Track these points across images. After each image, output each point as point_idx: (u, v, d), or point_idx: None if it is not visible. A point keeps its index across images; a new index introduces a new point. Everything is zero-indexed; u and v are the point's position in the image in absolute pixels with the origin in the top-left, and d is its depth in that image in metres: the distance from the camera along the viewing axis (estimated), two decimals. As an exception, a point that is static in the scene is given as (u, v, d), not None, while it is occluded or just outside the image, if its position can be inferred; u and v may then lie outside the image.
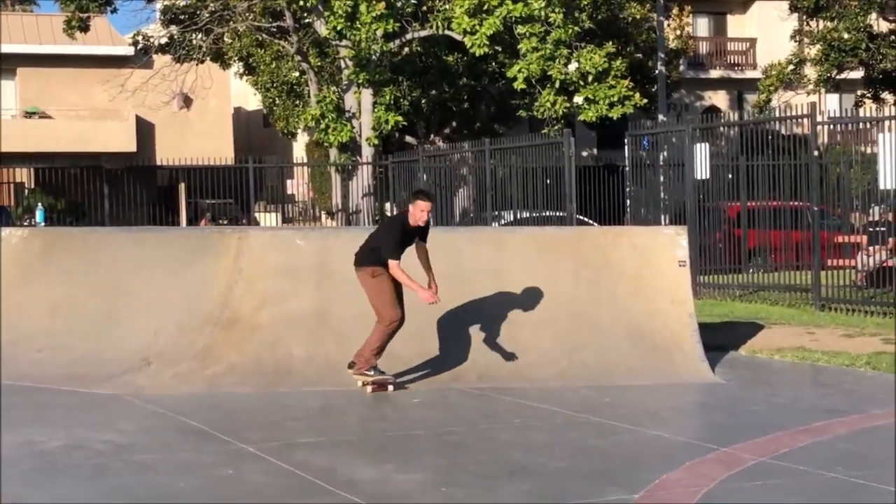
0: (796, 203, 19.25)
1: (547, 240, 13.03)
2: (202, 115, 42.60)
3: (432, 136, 36.56)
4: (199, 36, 32.87)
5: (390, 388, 10.75)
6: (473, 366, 11.37)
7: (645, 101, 27.63)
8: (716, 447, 8.32)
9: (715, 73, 46.75)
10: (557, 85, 26.04)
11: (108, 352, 11.73)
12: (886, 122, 17.18)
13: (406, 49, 31.45)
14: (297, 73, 36.09)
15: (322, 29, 28.87)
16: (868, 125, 18.67)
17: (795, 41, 36.46)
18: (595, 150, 42.25)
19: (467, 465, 7.91)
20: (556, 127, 26.00)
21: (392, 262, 10.44)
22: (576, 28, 26.54)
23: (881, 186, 16.97)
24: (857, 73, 36.21)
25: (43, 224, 30.35)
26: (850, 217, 19.20)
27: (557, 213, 22.15)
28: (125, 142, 40.75)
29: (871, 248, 18.57)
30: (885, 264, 18.28)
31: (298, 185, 39.06)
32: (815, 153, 17.94)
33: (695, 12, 45.59)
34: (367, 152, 29.19)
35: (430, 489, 7.28)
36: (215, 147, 36.00)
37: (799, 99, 29.77)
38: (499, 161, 24.55)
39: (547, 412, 9.94)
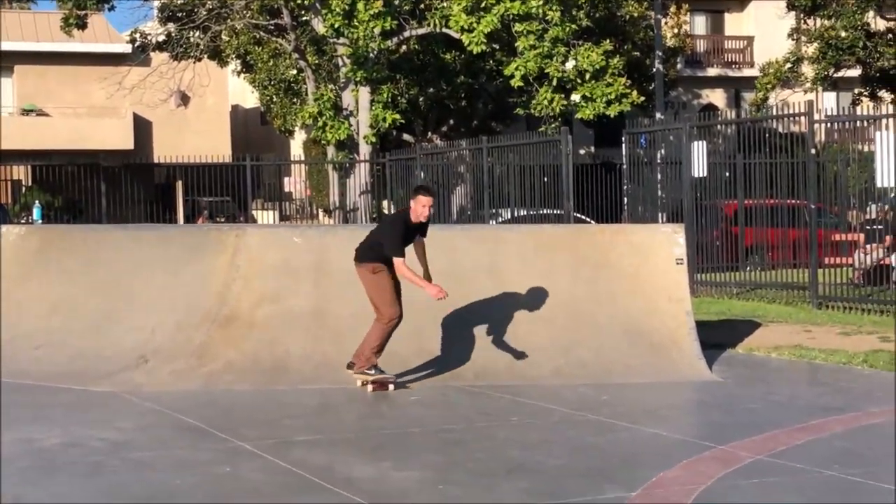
0: (793, 201, 19.27)
1: (544, 238, 13.03)
2: (200, 113, 42.59)
3: (430, 133, 36.57)
4: (197, 33, 32.87)
5: (391, 387, 10.70)
6: (471, 364, 11.37)
7: (642, 98, 27.64)
8: (713, 445, 8.33)
9: (712, 72, 46.78)
10: (555, 83, 26.06)
11: (106, 349, 11.72)
12: (884, 121, 17.21)
13: (404, 47, 31.47)
14: (294, 71, 36.09)
15: (320, 27, 28.88)
16: (865, 123, 18.67)
17: (793, 39, 36.48)
18: (592, 149, 42.26)
19: (465, 462, 7.91)
20: (553, 125, 26.02)
21: (398, 260, 10.36)
22: (573, 26, 26.54)
23: (878, 184, 17.00)
24: (855, 72, 36.21)
25: (40, 222, 30.36)
26: (848, 215, 19.22)
27: (555, 211, 22.18)
28: (122, 139, 40.73)
29: (868, 246, 18.58)
30: (882, 262, 18.31)
31: (296, 183, 39.05)
32: (813, 151, 17.96)
33: (692, 10, 45.62)
34: (364, 150, 29.19)
35: (428, 487, 7.28)
36: (213, 145, 36.02)
37: (796, 97, 29.75)
38: (496, 159, 24.58)
39: (544, 410, 9.94)
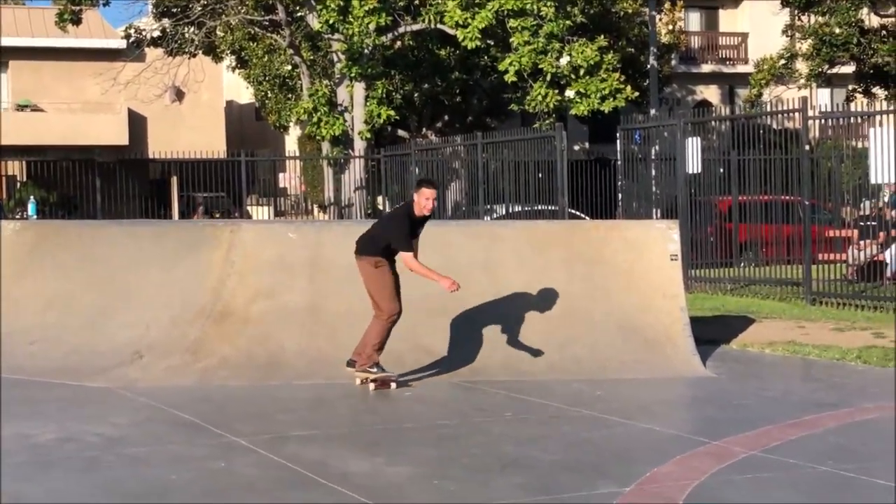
0: (787, 197, 19.30)
1: (539, 234, 13.05)
2: (194, 109, 42.57)
3: (424, 129, 36.58)
4: (192, 29, 32.86)
5: (393, 385, 10.60)
6: (466, 360, 11.38)
7: (636, 94, 27.68)
8: (707, 441, 8.35)
9: (707, 68, 46.81)
10: (549, 78, 26.07)
11: (101, 345, 11.72)
12: (877, 117, 17.23)
13: (398, 43, 31.48)
14: (289, 67, 36.09)
15: (314, 22, 28.87)
16: (859, 120, 18.71)
17: (787, 36, 36.52)
18: (587, 145, 42.31)
19: (459, 458, 7.93)
20: (548, 121, 26.05)
21: (406, 255, 10.23)
22: (568, 22, 26.58)
23: (872, 181, 17.02)
24: (849, 68, 36.26)
25: (35, 217, 30.33)
26: (841, 211, 19.25)
27: (549, 207, 22.19)
28: (117, 135, 40.69)
29: (861, 243, 18.62)
30: (875, 258, 18.34)
31: (290, 179, 39.01)
32: (807, 147, 17.98)
33: (687, 7, 45.64)
34: (359, 146, 29.20)
35: (422, 482, 7.30)
36: (207, 140, 36.03)
37: (790, 93, 29.84)
38: (491, 155, 24.59)
39: (539, 406, 9.96)
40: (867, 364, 12.06)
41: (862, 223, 18.85)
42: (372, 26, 26.55)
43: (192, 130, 40.36)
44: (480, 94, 37.05)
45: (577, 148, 40.22)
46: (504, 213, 23.51)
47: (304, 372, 11.05)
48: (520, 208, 23.07)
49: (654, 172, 21.90)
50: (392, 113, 29.15)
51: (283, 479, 7.33)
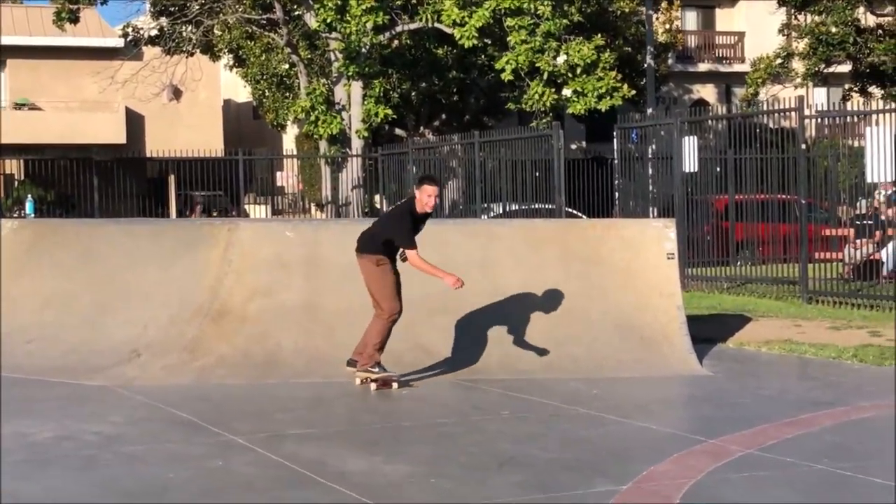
0: (784, 196, 19.32)
1: (536, 232, 13.06)
2: (192, 107, 42.57)
3: (422, 128, 36.61)
4: (189, 28, 32.87)
5: (395, 385, 10.55)
6: (463, 358, 11.38)
7: (633, 92, 27.69)
8: (703, 439, 8.37)
9: (703, 67, 46.84)
10: (546, 77, 26.09)
11: (99, 343, 11.73)
12: (874, 116, 17.24)
13: (396, 42, 31.49)
14: (286, 66, 36.10)
15: (312, 21, 28.87)
16: (855, 119, 18.73)
17: (783, 35, 36.54)
18: (584, 143, 42.33)
19: (457, 456, 7.94)
20: (544, 120, 26.06)
21: (411, 253, 10.14)
22: (565, 21, 26.59)
23: (868, 180, 17.04)
24: (845, 67, 36.28)
25: (32, 216, 30.34)
26: (838, 210, 19.27)
27: (546, 206, 22.20)
28: (115, 133, 40.69)
29: (858, 242, 18.64)
30: (871, 257, 18.37)
31: (288, 178, 39.02)
32: (803, 146, 18.00)
33: (683, 6, 45.70)
34: (356, 145, 29.21)
35: (420, 480, 7.31)
36: (205, 139, 36.01)
37: (787, 93, 29.86)
38: (488, 154, 24.59)
39: (536, 404, 9.96)
40: (863, 363, 12.07)
41: (858, 222, 18.87)
42: (369, 25, 26.56)
43: (189, 129, 40.35)
44: (477, 93, 37.07)
45: (573, 147, 40.23)
46: (501, 211, 23.53)
47: (302, 370, 11.06)
48: (517, 207, 23.08)
49: (650, 171, 21.92)
50: (389, 112, 29.16)
51: (280, 478, 7.34)
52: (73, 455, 7.98)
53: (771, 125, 21.76)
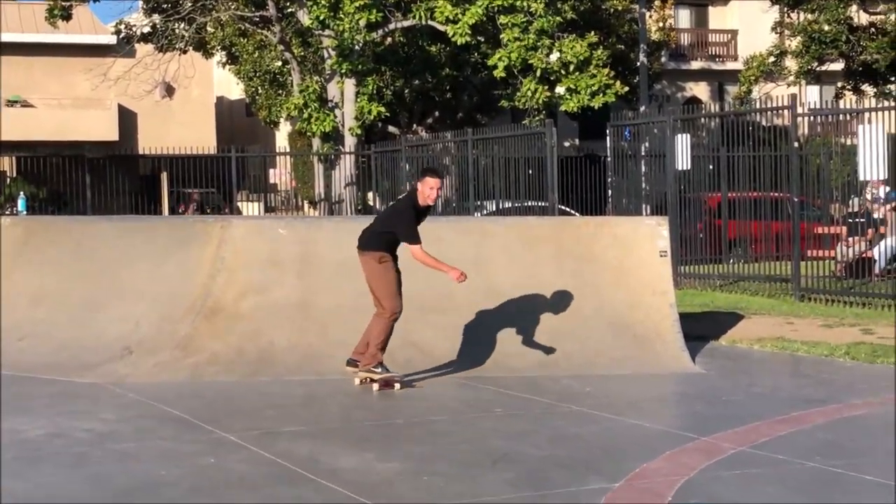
0: (777, 194, 19.34)
1: (529, 230, 13.06)
2: (185, 104, 42.51)
3: (415, 126, 36.60)
4: (182, 25, 32.81)
5: (397, 385, 10.45)
6: (456, 355, 11.39)
7: (626, 89, 27.70)
8: (695, 436, 8.37)
9: (696, 65, 46.87)
10: (539, 74, 26.09)
11: (91, 340, 11.72)
12: (866, 114, 17.27)
13: (389, 39, 31.48)
14: (279, 63, 36.03)
15: (305, 18, 28.85)
16: (848, 117, 18.75)
17: (776, 33, 36.57)
18: (577, 141, 42.33)
19: (449, 453, 7.94)
20: (537, 117, 26.06)
21: (415, 247, 10.01)
22: (558, 18, 26.59)
23: (861, 178, 17.07)
24: (838, 65, 36.33)
25: (25, 213, 30.31)
26: (830, 208, 19.29)
27: (539, 204, 22.21)
28: (107, 131, 40.62)
29: (850, 239, 18.66)
30: (864, 255, 18.39)
31: (281, 175, 39.03)
32: (796, 144, 18.02)
33: (676, 4, 45.73)
34: (349, 142, 29.19)
35: (412, 478, 7.30)
36: (198, 136, 35.93)
37: (780, 90, 29.85)
38: (481, 151, 24.60)
39: (529, 401, 9.97)
40: (855, 360, 12.09)
41: (851, 220, 18.90)
42: (362, 22, 26.54)
43: (182, 126, 40.27)
44: (471, 91, 37.07)
45: (567, 144, 40.22)
46: (494, 209, 23.53)
47: (295, 368, 11.05)
48: (510, 205, 23.09)
49: (643, 169, 21.94)
50: (382, 109, 29.15)
51: (273, 475, 7.34)
52: (65, 452, 7.97)
53: (763, 123, 21.76)
